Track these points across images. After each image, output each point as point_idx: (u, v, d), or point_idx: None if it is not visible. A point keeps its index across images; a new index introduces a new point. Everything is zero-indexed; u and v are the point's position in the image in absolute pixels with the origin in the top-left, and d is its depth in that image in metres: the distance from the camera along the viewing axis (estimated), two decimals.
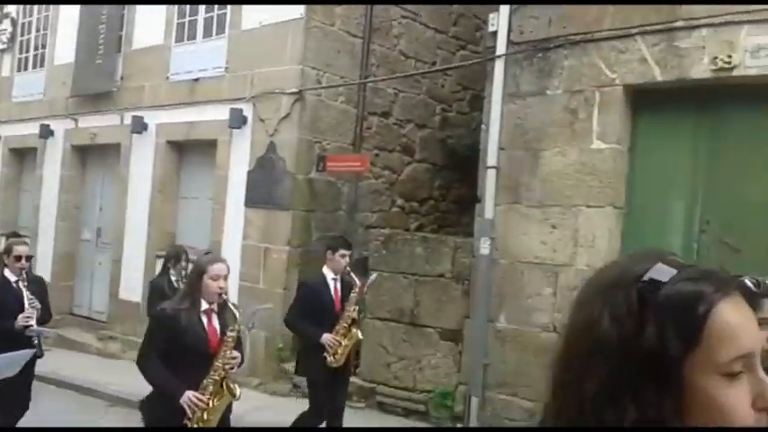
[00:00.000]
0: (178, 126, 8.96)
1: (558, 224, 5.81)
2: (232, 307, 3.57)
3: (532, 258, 5.93)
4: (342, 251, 4.97)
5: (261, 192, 7.94)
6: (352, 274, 5.00)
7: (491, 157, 6.15)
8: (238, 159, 8.23)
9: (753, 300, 1.92)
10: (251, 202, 8.06)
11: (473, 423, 6.00)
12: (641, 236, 5.65)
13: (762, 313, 1.92)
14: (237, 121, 8.10)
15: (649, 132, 5.67)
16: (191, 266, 4.89)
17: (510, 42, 6.16)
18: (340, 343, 4.81)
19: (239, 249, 8.01)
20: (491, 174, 6.15)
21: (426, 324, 6.54)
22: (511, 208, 6.09)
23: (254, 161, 8.04)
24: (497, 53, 6.20)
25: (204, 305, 3.54)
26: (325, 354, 4.76)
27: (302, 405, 5.11)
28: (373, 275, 5.54)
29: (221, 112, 8.23)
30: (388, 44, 8.48)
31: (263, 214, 7.93)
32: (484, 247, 6.11)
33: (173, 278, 5.93)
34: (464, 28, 9.40)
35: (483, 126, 6.36)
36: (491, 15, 6.31)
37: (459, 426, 6.13)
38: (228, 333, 3.51)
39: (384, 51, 8.44)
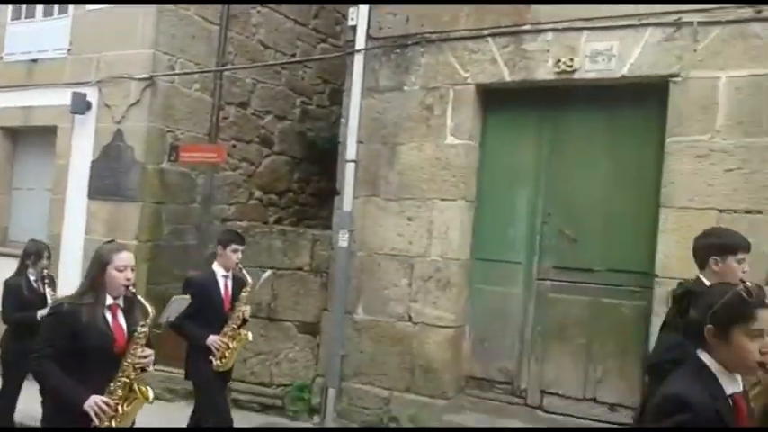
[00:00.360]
0: (13, 111, 8.20)
1: (414, 217, 5.95)
2: (142, 300, 3.23)
3: (389, 250, 6.03)
4: (234, 246, 4.65)
5: (106, 183, 7.46)
6: (243, 270, 4.70)
7: (350, 150, 6.18)
8: (81, 148, 7.67)
9: (745, 309, 1.95)
10: (95, 193, 7.55)
11: (329, 414, 6.00)
12: (490, 228, 5.93)
13: (759, 324, 1.89)
14: (80, 106, 7.54)
15: (498, 129, 5.95)
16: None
17: (369, 37, 6.22)
18: (228, 345, 4.53)
19: (82, 244, 7.49)
20: (350, 167, 6.18)
21: (284, 318, 6.46)
22: (369, 201, 6.15)
23: (100, 150, 7.54)
24: (357, 48, 6.23)
25: (109, 300, 3.19)
26: (211, 357, 4.47)
27: (152, 408, 4.81)
28: (267, 272, 5.25)
29: (62, 97, 7.62)
30: (246, 33, 8.28)
31: (108, 207, 7.45)
32: (342, 240, 6.13)
33: (31, 277, 5.35)
34: (324, 21, 9.39)
35: (342, 119, 6.38)
36: (351, 10, 6.32)
37: (314, 418, 6.12)
38: (139, 329, 3.16)
39: (242, 40, 8.23)
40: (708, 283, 2.97)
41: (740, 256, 3.07)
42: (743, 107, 4.81)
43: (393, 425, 5.83)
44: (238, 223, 7.24)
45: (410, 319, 5.90)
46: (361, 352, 6.08)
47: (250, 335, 4.69)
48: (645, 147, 5.32)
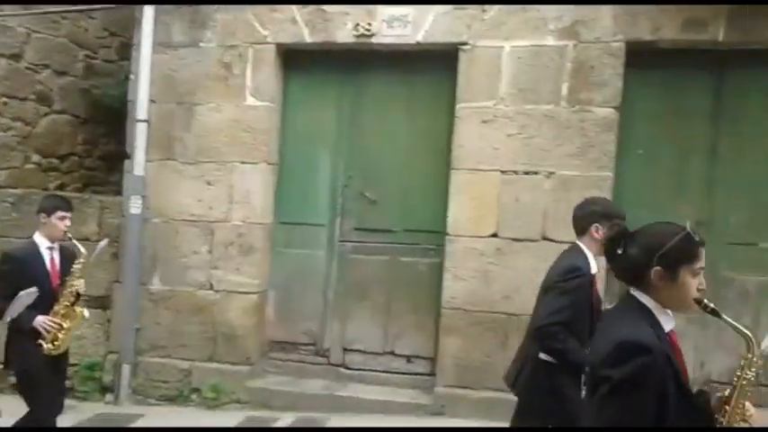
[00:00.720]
0: None
1: (214, 181, 5.74)
2: None
3: (188, 216, 5.76)
4: (60, 213, 4.07)
5: None
6: (74, 240, 4.13)
7: (141, 110, 5.76)
8: None
9: (693, 250, 1.98)
10: None
11: (124, 392, 5.66)
12: (293, 191, 5.89)
13: (700, 262, 1.95)
14: None
15: (300, 91, 5.88)
16: None
17: None
18: (60, 326, 3.97)
19: None
20: (141, 128, 5.76)
21: None
22: (164, 164, 5.81)
23: None
24: None
25: None
26: (40, 341, 3.90)
27: None
28: (103, 242, 4.63)
29: None
30: None
31: None
32: (134, 206, 5.74)
33: None
34: None
35: (132, 76, 5.92)
36: None
37: (107, 397, 5.74)
38: None
39: None
40: (586, 249, 3.26)
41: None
42: (523, 76, 5.20)
43: (194, 396, 5.66)
44: (11, 190, 6.46)
45: (211, 287, 5.72)
46: (158, 324, 5.78)
47: (86, 312, 4.16)
48: (438, 112, 5.56)
